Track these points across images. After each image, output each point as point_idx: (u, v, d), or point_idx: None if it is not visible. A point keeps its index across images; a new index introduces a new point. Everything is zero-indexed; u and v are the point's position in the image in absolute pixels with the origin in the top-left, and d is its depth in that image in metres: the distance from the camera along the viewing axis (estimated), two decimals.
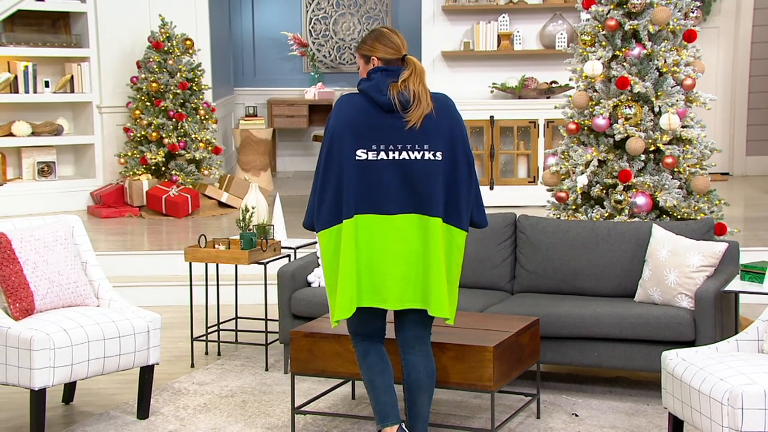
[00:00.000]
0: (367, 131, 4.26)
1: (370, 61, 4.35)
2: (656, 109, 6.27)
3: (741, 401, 3.95)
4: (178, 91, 9.82)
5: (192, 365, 6.12)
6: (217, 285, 6.39)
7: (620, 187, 6.25)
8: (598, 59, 6.35)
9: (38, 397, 4.78)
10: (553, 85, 10.07)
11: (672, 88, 6.24)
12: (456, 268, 4.36)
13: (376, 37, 4.36)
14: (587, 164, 6.38)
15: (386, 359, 4.48)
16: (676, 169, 6.27)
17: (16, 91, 9.81)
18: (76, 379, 4.90)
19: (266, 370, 5.98)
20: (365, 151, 4.26)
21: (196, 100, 9.98)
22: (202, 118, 10.01)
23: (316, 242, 6.21)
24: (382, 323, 4.48)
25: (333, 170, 4.27)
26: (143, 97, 9.90)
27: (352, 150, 4.26)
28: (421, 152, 4.28)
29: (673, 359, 4.41)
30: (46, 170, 10.04)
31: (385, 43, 4.34)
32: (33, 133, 9.92)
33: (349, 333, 4.53)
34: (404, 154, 4.27)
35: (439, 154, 4.29)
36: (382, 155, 4.26)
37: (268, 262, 6.00)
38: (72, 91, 10.14)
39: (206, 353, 6.36)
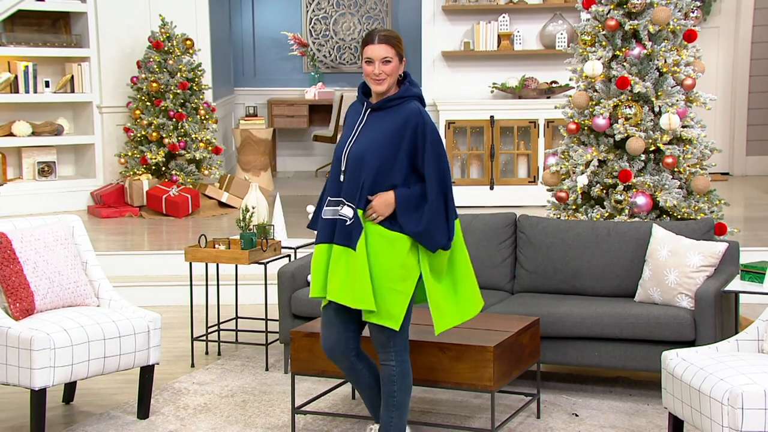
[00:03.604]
0: None
1: (402, 62, 4.40)
2: (656, 109, 6.27)
3: (741, 401, 3.95)
4: (178, 91, 9.82)
5: (192, 365, 6.12)
6: (218, 285, 6.39)
7: (620, 187, 6.25)
8: (598, 59, 6.35)
9: (38, 397, 4.79)
10: (553, 85, 10.08)
11: (672, 88, 6.24)
12: None
13: None
14: (587, 164, 6.38)
15: None
16: (676, 169, 6.27)
17: (17, 91, 9.81)
18: (77, 379, 4.90)
19: (266, 370, 5.98)
20: None
21: (196, 100, 9.98)
22: (203, 118, 10.02)
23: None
24: None
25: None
26: (143, 97, 9.90)
27: None
28: None
29: (674, 359, 4.41)
30: (46, 170, 10.04)
31: None
32: (33, 133, 9.92)
33: (406, 348, 4.48)
34: None
35: None
36: None
37: (268, 262, 6.00)
38: (72, 91, 10.14)
39: (206, 353, 6.36)
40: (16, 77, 9.78)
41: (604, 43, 6.37)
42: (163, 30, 9.90)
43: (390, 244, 4.31)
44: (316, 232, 4.50)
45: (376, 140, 4.33)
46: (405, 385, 4.43)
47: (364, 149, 4.33)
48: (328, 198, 4.40)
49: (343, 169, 4.36)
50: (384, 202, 4.31)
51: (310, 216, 4.62)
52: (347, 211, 4.31)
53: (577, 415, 5.18)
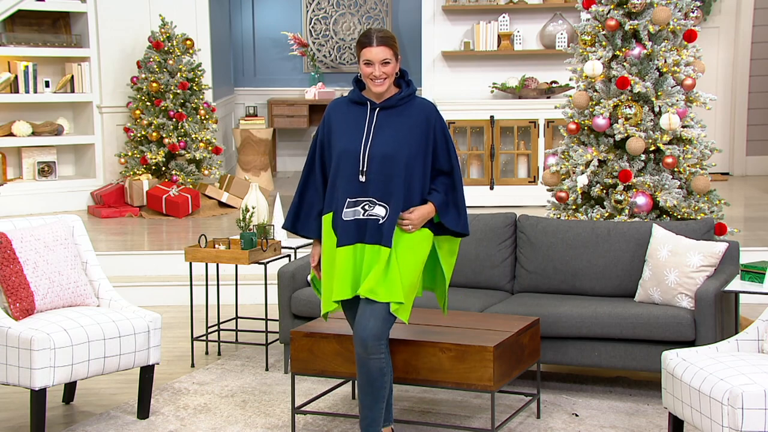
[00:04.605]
0: None
1: (398, 60, 4.43)
2: (656, 109, 6.27)
3: (741, 401, 3.95)
4: (178, 91, 9.82)
5: (192, 365, 6.12)
6: (218, 285, 6.39)
7: (620, 187, 6.25)
8: (598, 59, 6.35)
9: (38, 397, 4.79)
10: (553, 85, 10.08)
11: (672, 88, 6.24)
12: None
13: None
14: (587, 164, 6.38)
15: None
16: (676, 169, 6.27)
17: (17, 91, 9.81)
18: (77, 378, 4.90)
19: (266, 370, 5.98)
20: None
21: (196, 100, 9.98)
22: (203, 118, 10.02)
23: None
24: None
25: None
26: (143, 97, 9.90)
27: None
28: None
29: (674, 359, 4.41)
30: (46, 170, 10.04)
31: None
32: (33, 133, 9.92)
33: (386, 341, 4.47)
34: None
35: None
36: None
37: (268, 262, 6.00)
38: (72, 91, 10.14)
39: (206, 353, 6.36)
40: (16, 77, 9.78)
41: (604, 43, 6.37)
42: (163, 30, 9.90)
43: (420, 242, 4.42)
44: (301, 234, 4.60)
45: (401, 138, 4.37)
46: (391, 375, 4.52)
47: (393, 148, 4.36)
48: (348, 199, 4.39)
49: (363, 169, 4.36)
50: (421, 216, 4.41)
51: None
52: (380, 211, 4.35)
53: (577, 415, 5.18)
